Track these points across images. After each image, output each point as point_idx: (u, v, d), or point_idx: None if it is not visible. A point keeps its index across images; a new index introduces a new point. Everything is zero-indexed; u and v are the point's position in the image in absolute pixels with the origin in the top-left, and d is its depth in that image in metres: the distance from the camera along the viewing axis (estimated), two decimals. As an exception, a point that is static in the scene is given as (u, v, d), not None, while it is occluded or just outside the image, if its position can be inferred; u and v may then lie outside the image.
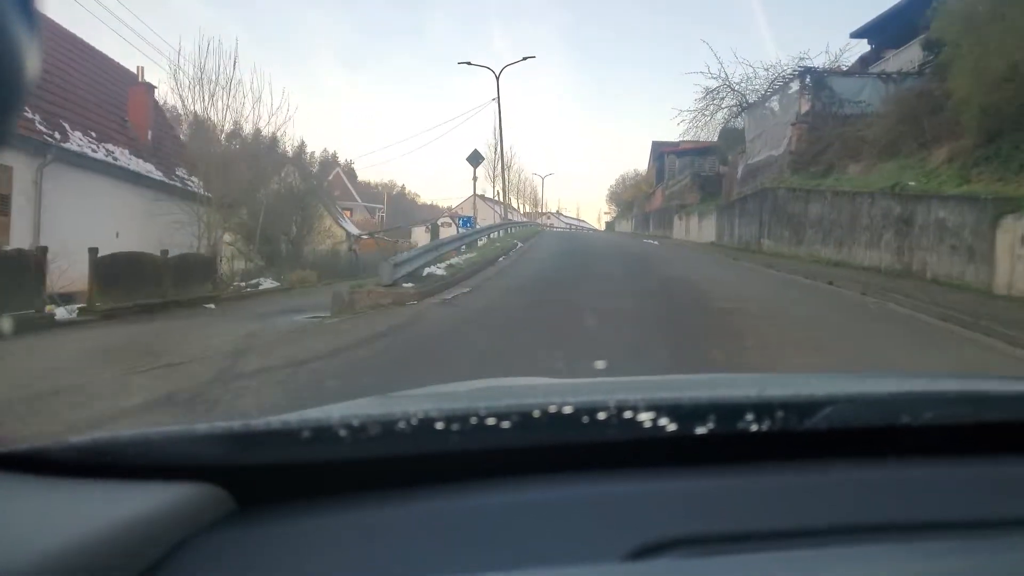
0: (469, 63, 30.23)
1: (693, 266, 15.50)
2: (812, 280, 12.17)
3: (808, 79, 19.08)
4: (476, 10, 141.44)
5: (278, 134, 21.53)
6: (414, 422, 0.73)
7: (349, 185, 57.22)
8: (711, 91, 26.74)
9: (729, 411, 0.78)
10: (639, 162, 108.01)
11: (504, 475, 0.75)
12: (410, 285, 10.98)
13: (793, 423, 0.78)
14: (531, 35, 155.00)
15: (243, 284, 17.20)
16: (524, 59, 31.32)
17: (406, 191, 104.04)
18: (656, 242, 28.95)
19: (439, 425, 0.74)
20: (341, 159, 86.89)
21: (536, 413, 0.76)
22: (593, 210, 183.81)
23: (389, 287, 10.55)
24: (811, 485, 0.77)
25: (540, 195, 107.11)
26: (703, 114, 27.46)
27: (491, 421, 0.74)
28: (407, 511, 0.71)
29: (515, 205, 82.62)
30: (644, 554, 0.64)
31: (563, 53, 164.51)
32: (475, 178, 23.86)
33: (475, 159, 23.67)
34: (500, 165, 32.63)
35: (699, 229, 28.06)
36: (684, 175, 36.37)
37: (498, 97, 31.90)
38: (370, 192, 69.45)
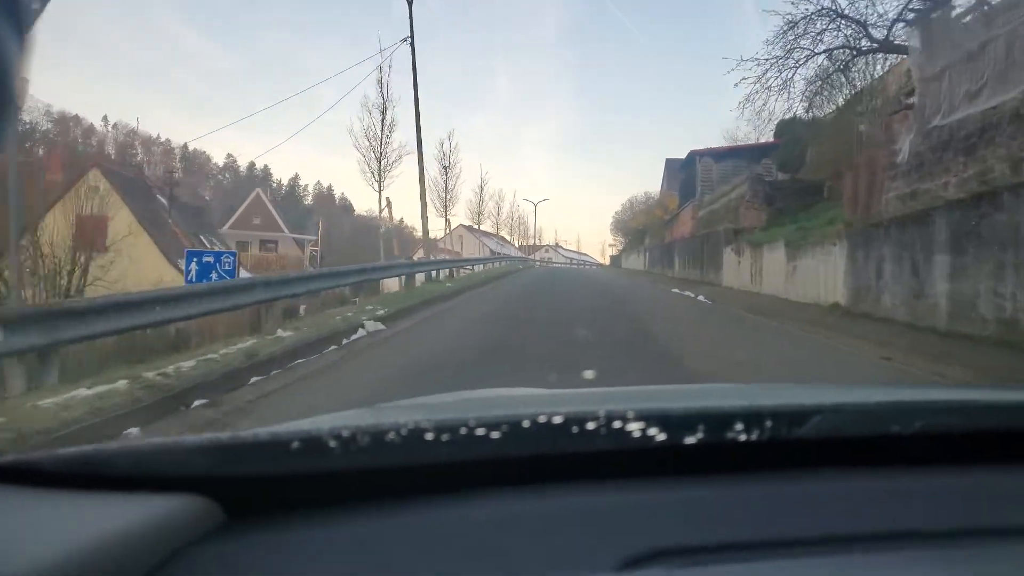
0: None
1: None
2: None
3: None
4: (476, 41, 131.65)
5: None
6: (404, 432, 0.72)
7: (274, 212, 44.05)
8: (797, 22, 13.81)
9: (718, 421, 0.77)
10: (650, 184, 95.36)
11: (494, 486, 0.75)
12: None
13: (782, 432, 0.77)
14: (534, 58, 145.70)
15: None
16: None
17: (404, 223, 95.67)
18: (704, 298, 15.56)
19: (429, 436, 0.73)
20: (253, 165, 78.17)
21: (526, 423, 0.75)
22: (596, 242, 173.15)
23: None
24: (801, 495, 0.76)
25: (532, 225, 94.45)
26: (783, 64, 14.44)
27: (481, 431, 0.74)
28: (397, 522, 0.70)
29: (482, 229, 70.02)
30: (635, 564, 0.64)
31: (563, 70, 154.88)
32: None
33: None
34: (418, 147, 17.97)
35: (788, 273, 14.62)
36: (734, 185, 23.13)
37: (411, 35, 18.61)
38: (361, 223, 58.13)
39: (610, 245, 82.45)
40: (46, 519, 0.65)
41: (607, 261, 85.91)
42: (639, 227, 52.45)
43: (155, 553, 0.61)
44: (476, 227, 61.41)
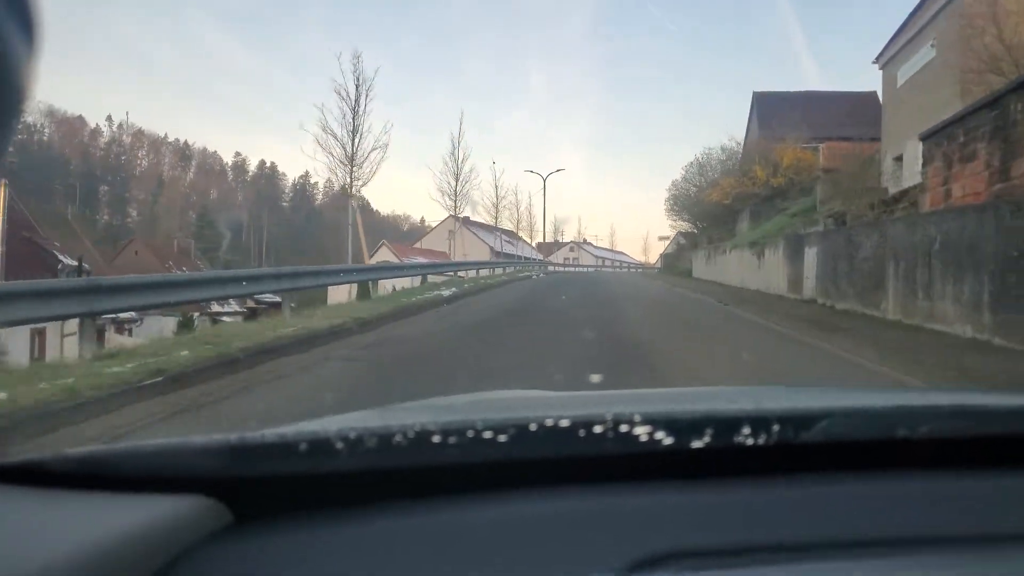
0: None
1: None
2: None
3: None
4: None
5: None
6: (411, 435, 0.73)
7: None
8: None
9: (725, 424, 0.77)
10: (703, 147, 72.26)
11: (501, 488, 0.75)
12: None
13: (789, 436, 0.78)
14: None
15: None
16: None
17: (424, 223, 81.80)
18: None
19: (436, 438, 0.73)
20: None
21: (533, 426, 0.76)
22: (635, 238, 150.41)
23: None
24: (808, 499, 0.76)
25: (541, 208, 72.93)
26: None
27: (488, 434, 0.74)
28: (403, 524, 0.71)
29: (480, 222, 48.15)
30: (641, 567, 0.65)
31: (596, 56, 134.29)
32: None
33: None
34: None
35: None
36: None
37: None
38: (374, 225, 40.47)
39: (661, 238, 59.30)
40: (53, 520, 0.65)
41: (654, 260, 63.36)
42: (722, 200, 29.65)
43: (162, 554, 0.62)
44: (459, 216, 39.56)
